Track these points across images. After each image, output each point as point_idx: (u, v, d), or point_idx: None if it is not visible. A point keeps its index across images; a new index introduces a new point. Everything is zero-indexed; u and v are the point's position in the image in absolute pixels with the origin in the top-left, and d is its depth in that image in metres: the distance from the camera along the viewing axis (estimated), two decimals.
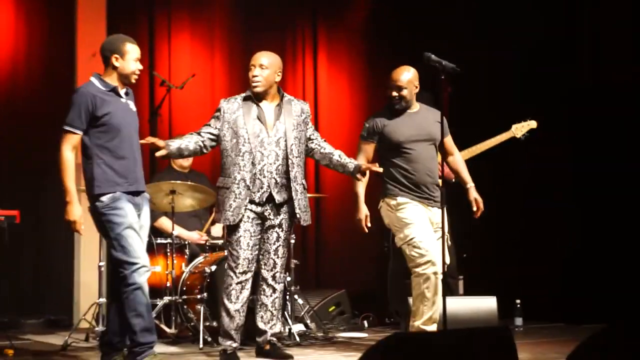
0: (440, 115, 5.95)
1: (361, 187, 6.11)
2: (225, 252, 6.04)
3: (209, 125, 5.85)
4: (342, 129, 9.39)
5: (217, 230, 7.45)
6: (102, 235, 5.46)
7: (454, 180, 7.14)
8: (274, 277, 5.77)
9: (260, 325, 5.80)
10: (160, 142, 5.60)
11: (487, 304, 7.03)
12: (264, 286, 5.77)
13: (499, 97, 8.65)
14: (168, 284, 6.80)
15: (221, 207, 5.69)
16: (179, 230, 7.06)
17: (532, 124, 7.48)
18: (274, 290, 5.79)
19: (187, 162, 7.56)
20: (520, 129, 7.46)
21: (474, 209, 6.15)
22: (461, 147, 7.47)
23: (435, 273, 5.85)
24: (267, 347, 5.81)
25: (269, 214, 5.71)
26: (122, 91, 5.33)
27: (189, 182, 6.92)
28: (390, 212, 6.08)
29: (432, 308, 5.90)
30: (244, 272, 5.62)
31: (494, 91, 8.78)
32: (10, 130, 7.94)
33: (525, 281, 8.35)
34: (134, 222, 5.23)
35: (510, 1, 8.75)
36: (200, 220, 7.49)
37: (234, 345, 5.65)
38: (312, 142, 5.92)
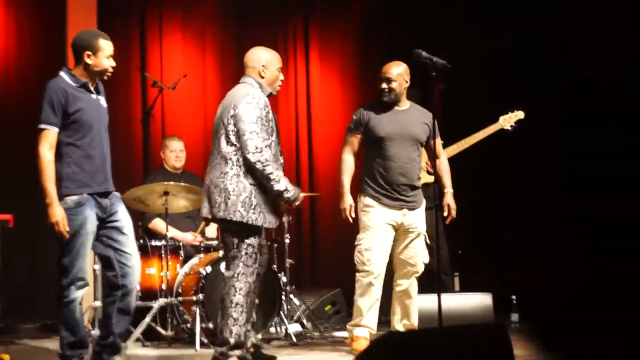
0: (432, 117, 5.99)
1: (347, 177, 6.19)
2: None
3: (266, 128, 5.50)
4: (334, 127, 9.37)
5: (212, 231, 7.44)
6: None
7: None
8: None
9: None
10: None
11: (482, 300, 7.02)
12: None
13: (489, 90, 8.64)
14: (163, 286, 6.79)
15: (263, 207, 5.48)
16: (173, 232, 7.05)
17: (520, 114, 7.46)
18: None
19: (179, 163, 7.55)
20: (507, 120, 7.44)
21: (445, 214, 6.20)
22: (450, 141, 7.49)
23: (370, 283, 6.08)
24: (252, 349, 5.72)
25: None
26: (92, 87, 5.20)
27: (182, 183, 6.90)
28: (360, 208, 6.23)
29: (358, 312, 6.15)
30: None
31: (484, 85, 8.77)
32: (1, 132, 7.92)
33: (521, 277, 8.35)
34: (92, 231, 5.11)
35: None
36: (194, 221, 7.48)
37: None
38: None
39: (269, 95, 5.63)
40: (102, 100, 5.30)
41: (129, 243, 5.27)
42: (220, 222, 5.53)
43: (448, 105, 8.39)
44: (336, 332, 7.37)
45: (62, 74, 5.19)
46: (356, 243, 6.19)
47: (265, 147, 5.34)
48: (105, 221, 5.20)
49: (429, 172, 7.15)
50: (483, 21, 8.85)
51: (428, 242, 6.26)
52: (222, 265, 6.55)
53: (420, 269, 6.21)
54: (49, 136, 5.02)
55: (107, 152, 5.26)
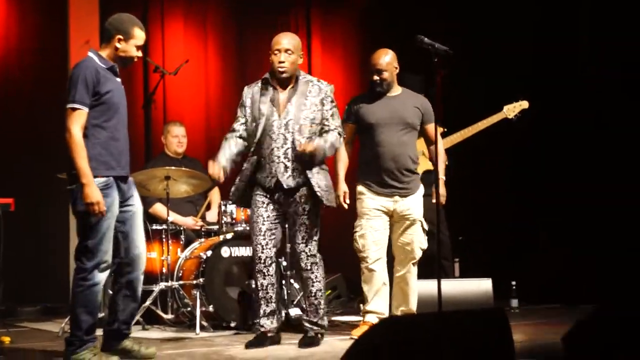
0: (426, 102, 6.04)
1: (341, 166, 6.21)
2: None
3: (238, 117, 5.80)
4: None
5: (212, 215, 7.45)
6: (76, 217, 5.13)
7: (446, 163, 7.14)
8: (298, 262, 5.80)
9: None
10: (219, 174, 5.60)
11: (482, 285, 7.05)
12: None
13: (494, 79, 8.63)
14: (164, 270, 6.81)
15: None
16: (174, 216, 7.06)
17: (524, 104, 7.45)
18: (301, 277, 5.88)
19: (180, 148, 7.56)
20: (512, 110, 7.43)
21: (433, 200, 6.21)
22: (453, 129, 7.48)
23: (369, 269, 6.13)
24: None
25: (282, 200, 5.71)
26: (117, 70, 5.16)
27: (184, 168, 6.91)
28: (355, 196, 6.28)
29: (365, 299, 6.20)
30: (259, 258, 5.68)
31: (489, 73, 8.77)
32: (4, 119, 7.93)
33: (521, 263, 8.37)
34: (116, 214, 5.06)
35: None
36: (195, 205, 7.49)
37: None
38: (323, 126, 5.78)
39: (270, 79, 5.72)
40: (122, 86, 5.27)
41: (138, 230, 5.25)
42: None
43: (452, 93, 8.37)
44: (336, 316, 7.39)
45: (91, 54, 5.11)
46: (354, 230, 6.25)
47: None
48: (122, 205, 5.14)
49: (430, 159, 7.15)
50: (488, 6, 8.83)
51: (426, 227, 6.27)
52: (223, 250, 6.62)
53: (417, 255, 6.22)
54: (81, 116, 4.92)
55: (127, 137, 5.21)
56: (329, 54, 9.63)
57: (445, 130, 7.49)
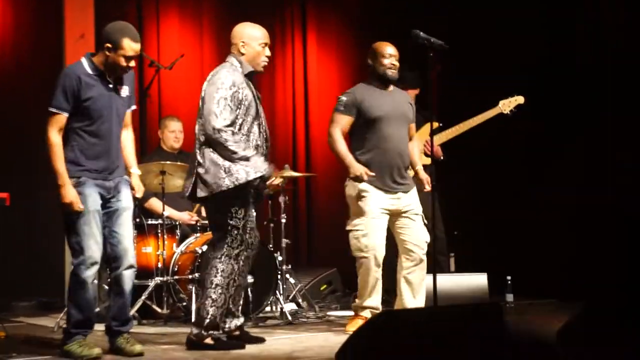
0: (409, 99, 6.07)
1: (345, 146, 6.16)
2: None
3: (230, 107, 5.41)
4: (330, 109, 9.31)
5: None
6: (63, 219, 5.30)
7: (442, 158, 7.17)
8: None
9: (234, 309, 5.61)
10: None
11: (478, 280, 7.06)
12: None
13: (489, 74, 8.63)
14: (159, 265, 6.81)
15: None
16: (169, 211, 7.06)
17: (520, 99, 7.45)
18: None
19: (177, 144, 7.55)
20: (507, 105, 7.43)
21: (423, 186, 6.19)
22: (448, 124, 7.49)
23: (370, 268, 6.04)
24: (237, 332, 5.67)
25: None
26: (110, 77, 5.23)
27: (179, 163, 6.90)
28: (352, 193, 6.14)
29: (361, 295, 6.14)
30: None
31: (485, 68, 8.77)
32: None
33: (516, 257, 8.38)
34: (94, 209, 5.17)
35: None
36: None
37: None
38: None
39: (253, 73, 5.54)
40: (124, 90, 5.33)
41: (124, 226, 5.32)
42: (205, 201, 5.50)
43: (447, 88, 8.37)
44: (331, 311, 7.39)
45: (83, 59, 5.24)
46: (351, 229, 6.13)
47: (226, 127, 5.28)
48: (107, 201, 5.27)
49: (426, 154, 7.15)
50: (483, 2, 8.83)
51: (426, 222, 6.25)
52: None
53: (425, 248, 6.15)
54: (59, 120, 5.13)
55: (116, 140, 5.32)
56: (325, 49, 9.62)
57: (441, 125, 7.49)
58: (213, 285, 5.37)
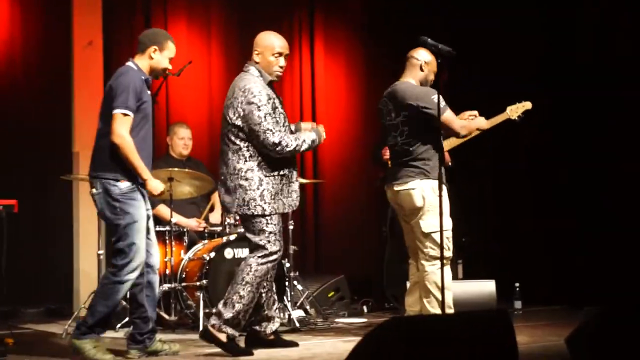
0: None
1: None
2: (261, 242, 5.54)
3: (276, 119, 5.49)
4: (338, 119, 9.41)
5: (216, 217, 7.45)
6: (106, 221, 5.43)
7: (450, 164, 7.14)
8: None
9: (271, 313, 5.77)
10: None
11: (486, 287, 7.05)
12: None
13: (497, 79, 8.62)
14: (167, 272, 6.80)
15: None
16: (177, 218, 7.06)
17: (527, 105, 7.40)
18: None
19: (186, 151, 7.55)
20: (515, 111, 7.38)
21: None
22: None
23: (444, 268, 5.50)
24: (272, 337, 5.79)
25: None
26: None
27: (187, 170, 6.91)
28: (432, 194, 5.72)
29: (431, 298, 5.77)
30: None
31: (492, 73, 8.76)
32: (8, 119, 7.93)
33: (525, 264, 8.37)
34: (144, 215, 5.28)
35: None
36: (199, 207, 7.49)
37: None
38: None
39: (270, 82, 5.61)
40: None
41: (152, 231, 5.44)
42: (242, 217, 5.60)
43: (454, 93, 8.36)
44: (339, 318, 7.38)
45: (131, 65, 5.30)
46: (435, 229, 5.57)
47: (280, 138, 5.40)
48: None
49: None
50: (491, 7, 8.83)
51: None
52: (227, 251, 6.61)
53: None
54: (129, 122, 5.17)
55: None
56: (332, 56, 9.62)
57: None
58: (244, 283, 5.44)
